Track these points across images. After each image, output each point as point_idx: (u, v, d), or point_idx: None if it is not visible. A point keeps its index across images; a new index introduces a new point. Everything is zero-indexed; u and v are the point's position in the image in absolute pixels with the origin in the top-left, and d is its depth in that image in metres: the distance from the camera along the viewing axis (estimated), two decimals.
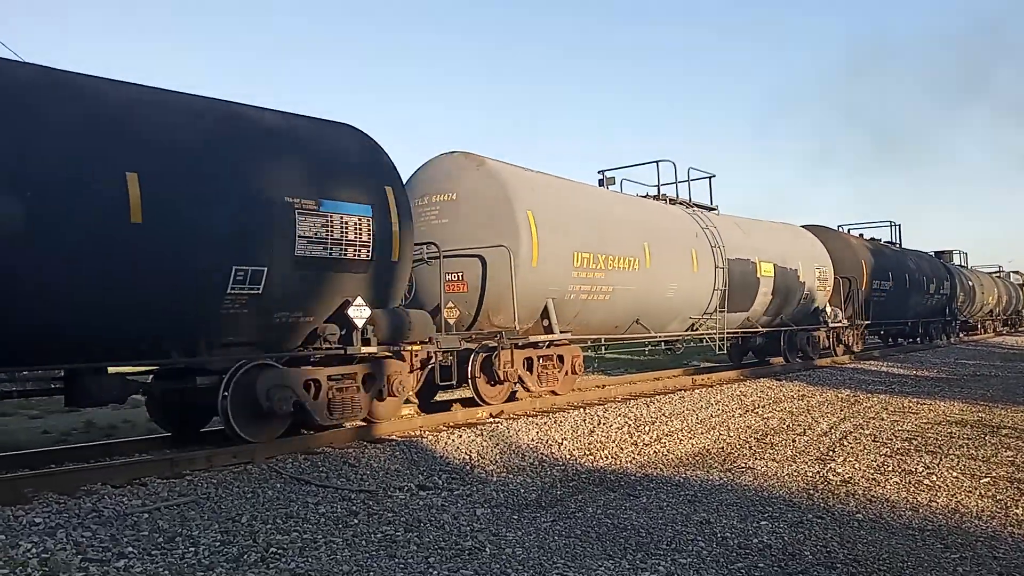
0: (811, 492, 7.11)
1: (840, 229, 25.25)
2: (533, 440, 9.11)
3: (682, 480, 7.58)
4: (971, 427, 10.63)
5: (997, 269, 49.49)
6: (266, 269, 7.75)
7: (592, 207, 13.02)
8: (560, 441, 9.17)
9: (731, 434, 10.12)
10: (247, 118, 8.29)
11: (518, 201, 11.13)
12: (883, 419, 11.42)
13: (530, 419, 10.27)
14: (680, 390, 14.02)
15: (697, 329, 15.74)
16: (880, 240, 27.89)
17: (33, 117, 6.56)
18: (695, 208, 16.62)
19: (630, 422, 10.44)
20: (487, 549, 5.32)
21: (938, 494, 7.05)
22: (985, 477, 7.68)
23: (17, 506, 5.79)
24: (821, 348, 20.75)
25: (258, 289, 7.74)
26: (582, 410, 11.14)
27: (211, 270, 7.42)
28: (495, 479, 7.52)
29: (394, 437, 9.07)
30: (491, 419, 10.66)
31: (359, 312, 8.47)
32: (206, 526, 5.59)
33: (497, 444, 8.82)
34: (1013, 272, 55.01)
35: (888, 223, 29.24)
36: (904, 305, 25.82)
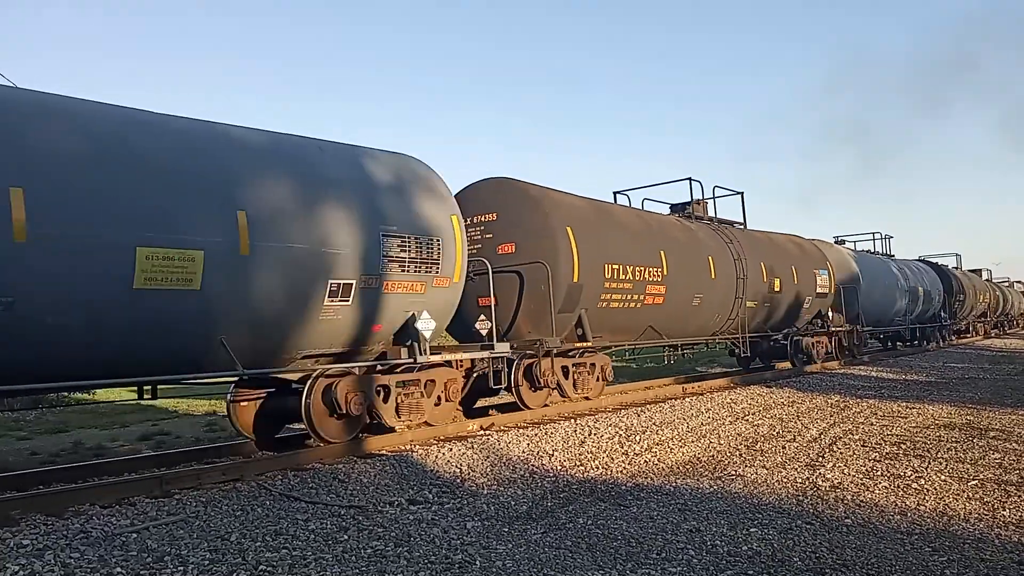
0: (801, 498, 7.14)
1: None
2: (524, 452, 9.11)
3: (672, 489, 7.60)
4: (959, 430, 10.68)
5: (977, 270, 49.63)
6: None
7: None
8: (551, 452, 9.18)
9: (721, 442, 10.14)
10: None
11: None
12: (872, 424, 11.47)
13: (521, 431, 10.28)
14: (671, 399, 14.04)
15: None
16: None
17: None
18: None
19: (621, 432, 10.45)
20: (477, 562, 5.32)
21: (926, 497, 7.08)
22: (973, 480, 7.72)
23: (4, 528, 5.76)
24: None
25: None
26: (573, 421, 11.15)
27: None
28: (485, 492, 7.51)
29: (384, 452, 9.06)
30: (482, 431, 10.66)
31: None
32: (195, 545, 5.58)
33: (488, 457, 8.82)
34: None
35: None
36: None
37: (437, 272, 9.71)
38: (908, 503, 6.90)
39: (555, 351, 11.84)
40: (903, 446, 9.60)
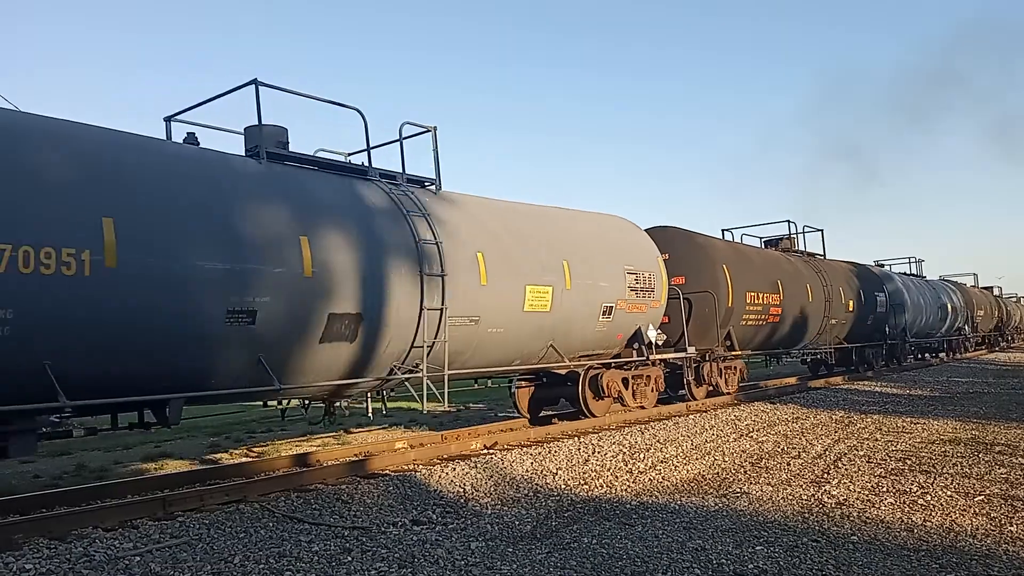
0: (806, 515, 7.10)
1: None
2: (527, 471, 9.08)
3: (677, 507, 7.56)
4: (965, 445, 10.64)
5: (989, 287, 50.04)
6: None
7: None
8: (554, 471, 9.15)
9: (726, 459, 10.10)
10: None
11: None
12: (877, 440, 11.43)
13: (524, 450, 10.25)
14: (675, 416, 14.00)
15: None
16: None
17: None
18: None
19: (625, 450, 10.42)
20: None
21: (932, 513, 7.04)
22: (979, 495, 7.68)
23: (7, 552, 5.74)
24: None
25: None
26: (576, 439, 11.12)
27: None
28: (489, 511, 7.48)
29: (387, 472, 9.04)
30: (485, 450, 10.64)
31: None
32: (198, 567, 5.56)
33: (491, 476, 8.79)
34: None
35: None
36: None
37: (651, 296, 13.79)
38: (914, 519, 6.87)
39: (720, 356, 16.24)
40: (908, 462, 9.56)
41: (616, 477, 9.04)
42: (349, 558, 5.86)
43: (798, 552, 5.94)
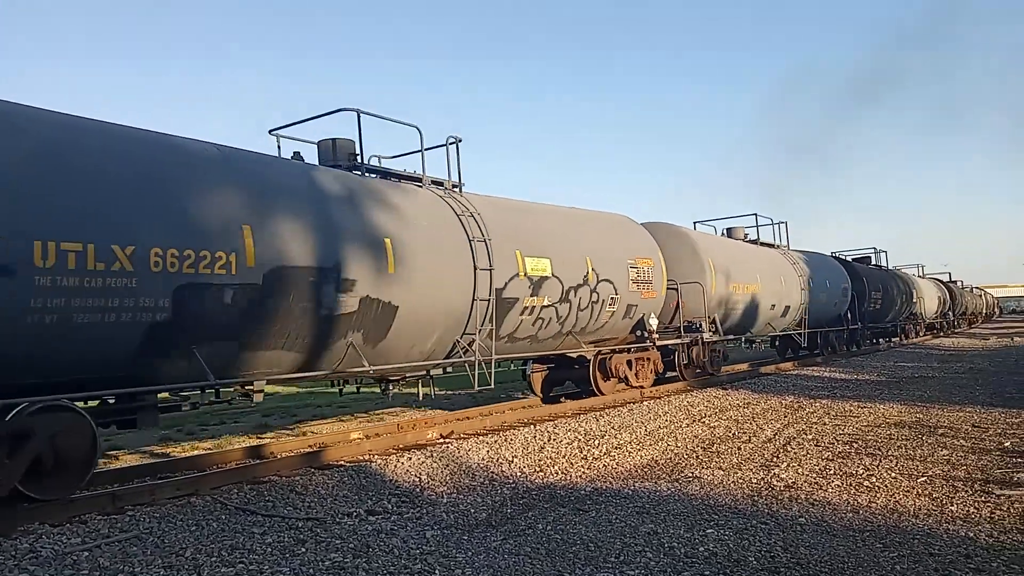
0: (756, 498, 7.24)
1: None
2: (483, 459, 9.12)
3: (631, 492, 7.66)
4: (909, 428, 10.93)
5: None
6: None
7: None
8: (510, 459, 9.19)
9: (679, 444, 10.25)
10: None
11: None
12: (825, 424, 11.68)
13: (480, 438, 10.28)
14: (630, 402, 14.14)
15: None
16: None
17: None
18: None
19: (580, 437, 10.51)
20: (437, 571, 5.31)
21: (878, 495, 7.23)
22: (922, 476, 7.91)
23: None
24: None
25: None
26: (533, 427, 11.18)
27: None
28: (445, 500, 7.50)
29: (342, 463, 9.01)
30: (441, 439, 10.65)
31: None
32: (149, 562, 5.49)
33: (447, 465, 8.81)
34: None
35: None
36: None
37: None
38: (860, 501, 7.04)
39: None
40: (855, 445, 9.79)
41: (571, 464, 9.12)
42: (303, 549, 5.84)
43: (748, 535, 6.06)
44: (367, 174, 10.81)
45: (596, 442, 10.24)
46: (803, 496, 7.27)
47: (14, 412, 6.43)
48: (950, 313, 50.00)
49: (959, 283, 58.84)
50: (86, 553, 5.65)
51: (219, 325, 7.83)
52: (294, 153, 10.34)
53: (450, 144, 12.05)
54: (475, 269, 10.83)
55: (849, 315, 27.57)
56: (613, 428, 11.18)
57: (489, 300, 11.03)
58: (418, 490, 7.86)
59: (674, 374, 17.41)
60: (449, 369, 11.44)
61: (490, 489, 7.96)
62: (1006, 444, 9.44)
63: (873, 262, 35.17)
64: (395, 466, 8.59)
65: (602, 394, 14.62)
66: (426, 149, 11.54)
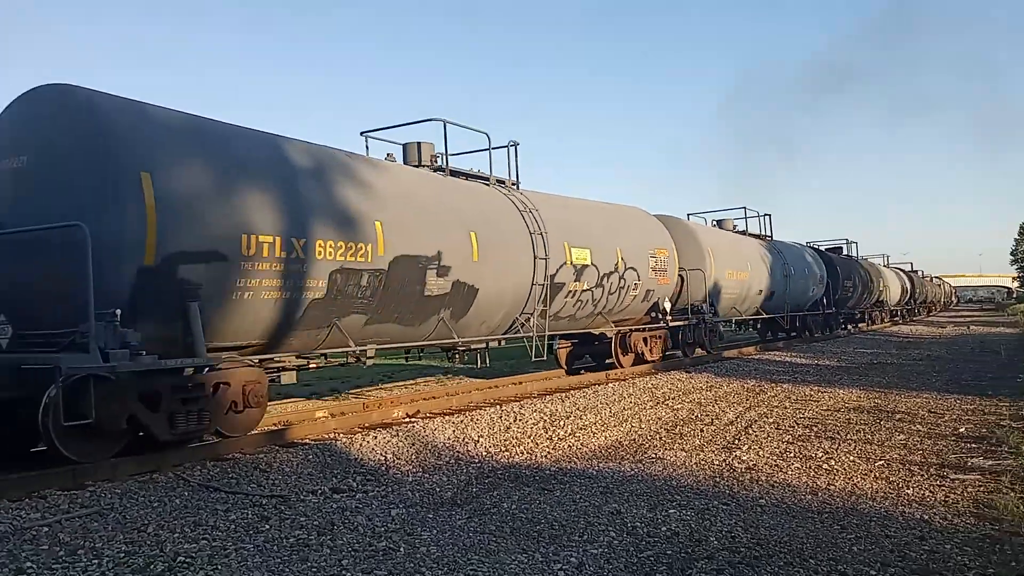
0: (717, 480, 7.35)
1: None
2: (449, 439, 9.14)
3: (595, 472, 7.73)
4: (868, 413, 11.15)
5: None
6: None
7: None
8: (476, 439, 9.22)
9: (643, 426, 10.35)
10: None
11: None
12: (786, 407, 11.87)
13: (446, 418, 10.30)
14: (595, 384, 14.24)
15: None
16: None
17: None
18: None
19: (545, 417, 10.57)
20: (401, 549, 5.32)
21: (836, 478, 7.37)
22: (880, 460, 8.08)
23: None
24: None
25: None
26: (498, 407, 11.22)
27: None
28: (410, 479, 7.51)
29: (307, 441, 8.97)
30: (407, 419, 10.65)
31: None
32: (110, 537, 5.44)
33: (413, 444, 8.81)
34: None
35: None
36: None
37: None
38: (819, 483, 7.18)
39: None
40: (815, 428, 9.97)
41: (536, 444, 9.17)
42: (267, 526, 5.82)
43: (709, 515, 6.15)
44: (449, 174, 12.57)
45: (561, 423, 10.31)
46: (763, 478, 7.39)
47: (218, 366, 8.15)
48: (912, 301, 52.12)
49: (919, 272, 60.34)
50: (46, 528, 5.58)
51: (359, 301, 9.63)
52: (387, 155, 12.13)
53: (510, 146, 14.05)
54: (535, 258, 12.77)
55: (825, 301, 29.64)
56: (578, 409, 11.26)
57: (544, 284, 12.99)
58: (384, 468, 7.86)
59: (677, 351, 19.08)
60: (503, 342, 13.54)
61: (456, 468, 7.99)
62: (961, 430, 9.67)
63: (845, 252, 37.08)
64: (360, 445, 8.58)
65: (622, 367, 16.42)
66: (493, 148, 13.45)
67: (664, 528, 5.82)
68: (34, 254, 7.43)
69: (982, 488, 6.87)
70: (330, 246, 9.05)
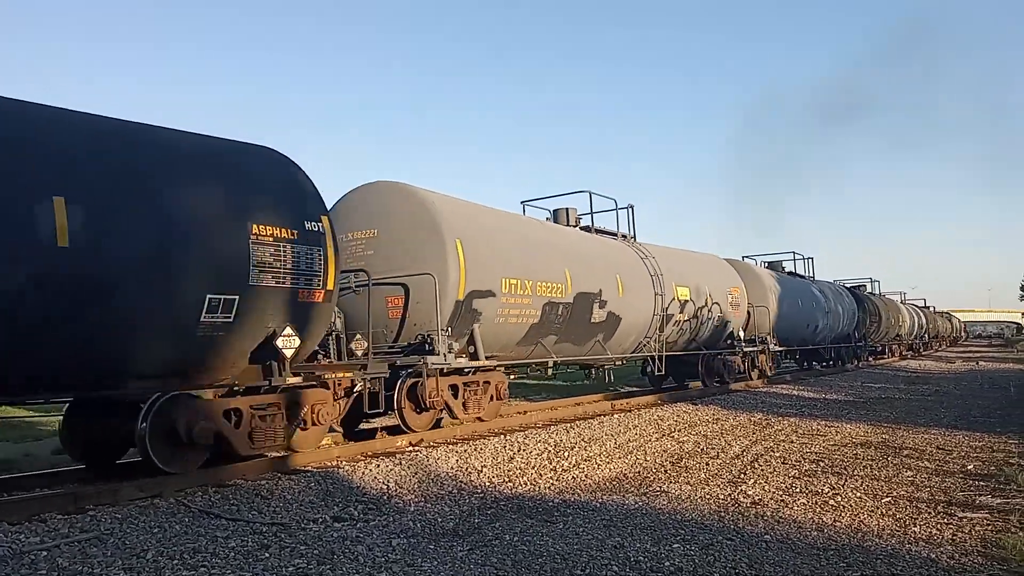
0: (722, 514, 7.27)
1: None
2: (452, 468, 9.08)
3: (599, 505, 7.66)
4: (875, 448, 11.05)
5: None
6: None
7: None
8: (480, 468, 9.16)
9: (648, 458, 10.28)
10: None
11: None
12: (793, 442, 11.77)
13: (450, 447, 10.24)
14: (600, 415, 14.18)
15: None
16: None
17: None
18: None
19: (550, 448, 10.50)
20: None
21: (842, 514, 7.29)
22: (886, 497, 7.99)
23: None
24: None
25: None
26: (503, 437, 11.16)
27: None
28: (412, 508, 7.46)
29: (310, 468, 8.92)
30: (411, 447, 10.60)
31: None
32: (109, 563, 5.40)
33: (416, 473, 8.76)
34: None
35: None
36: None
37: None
38: (825, 519, 7.10)
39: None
40: (821, 463, 9.88)
41: (540, 475, 9.11)
42: (267, 554, 5.77)
43: (713, 550, 6.08)
44: (595, 232, 16.91)
45: (566, 454, 10.24)
46: (769, 513, 7.31)
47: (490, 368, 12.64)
48: (925, 335, 55.36)
49: (931, 308, 61.90)
50: (44, 552, 5.55)
51: (554, 326, 13.53)
52: (547, 216, 16.54)
53: (630, 207, 17.93)
54: (655, 295, 16.67)
55: (856, 334, 33.59)
56: (583, 440, 11.19)
57: (660, 315, 16.93)
58: (386, 497, 7.81)
59: (743, 375, 21.84)
60: (625, 360, 17.76)
61: (458, 498, 7.93)
62: (969, 467, 9.57)
63: (868, 290, 42.31)
64: (363, 473, 8.53)
65: (705, 386, 19.79)
66: (620, 209, 17.56)
67: (667, 563, 5.75)
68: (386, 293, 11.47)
69: (990, 527, 6.78)
70: (544, 285, 12.96)
